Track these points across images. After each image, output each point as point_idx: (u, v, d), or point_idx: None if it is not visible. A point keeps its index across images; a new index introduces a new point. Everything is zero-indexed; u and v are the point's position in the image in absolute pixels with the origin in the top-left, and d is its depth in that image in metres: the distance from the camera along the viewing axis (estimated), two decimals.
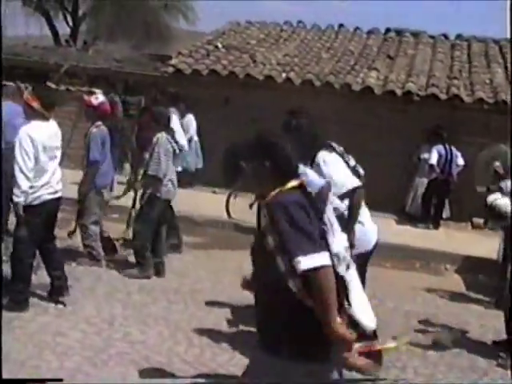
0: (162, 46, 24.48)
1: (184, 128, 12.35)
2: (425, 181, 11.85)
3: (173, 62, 13.70)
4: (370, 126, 12.26)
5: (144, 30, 25.10)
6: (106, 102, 7.43)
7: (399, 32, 16.77)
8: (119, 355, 5.25)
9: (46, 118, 5.81)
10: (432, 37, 16.51)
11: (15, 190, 5.61)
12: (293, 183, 3.10)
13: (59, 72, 14.36)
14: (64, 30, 26.08)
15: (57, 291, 6.24)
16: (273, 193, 3.03)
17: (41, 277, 6.77)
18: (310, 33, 17.14)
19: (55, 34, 25.61)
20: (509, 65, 14.08)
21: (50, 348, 5.28)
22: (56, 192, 5.94)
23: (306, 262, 2.88)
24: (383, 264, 9.07)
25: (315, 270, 2.88)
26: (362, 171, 5.60)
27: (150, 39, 25.48)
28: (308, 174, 3.97)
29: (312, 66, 13.86)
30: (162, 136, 7.19)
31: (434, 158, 11.47)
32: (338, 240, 3.14)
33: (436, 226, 11.69)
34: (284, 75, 13.10)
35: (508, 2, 12.90)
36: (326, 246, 3.03)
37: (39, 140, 5.66)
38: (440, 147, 11.56)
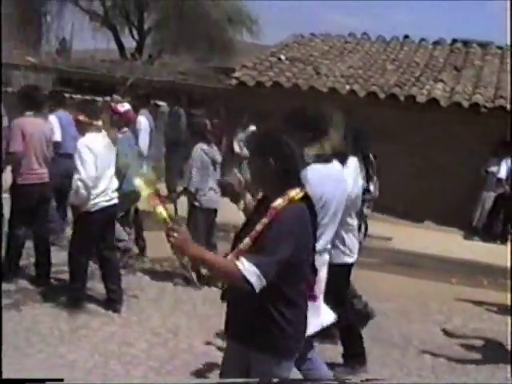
0: (226, 58, 24.67)
1: (246, 139, 12.44)
2: (492, 195, 11.57)
3: (236, 74, 13.78)
4: (436, 138, 12.07)
5: (208, 43, 25.36)
6: (131, 110, 7.68)
7: (466, 43, 16.46)
8: (184, 366, 5.27)
9: (98, 129, 6.17)
10: (500, 47, 16.16)
11: (74, 197, 6.04)
12: (300, 194, 3.11)
13: (125, 85, 14.63)
14: (130, 43, 26.64)
15: (110, 303, 6.38)
16: (280, 201, 3.05)
17: None
18: (375, 44, 17.01)
19: (121, 47, 26.14)
20: None
21: (116, 357, 5.35)
22: (112, 199, 6.23)
23: (245, 268, 2.92)
24: (449, 280, 8.89)
25: (242, 277, 2.92)
26: None
27: (213, 52, 25.72)
28: (309, 179, 3.92)
29: (376, 77, 13.74)
30: (196, 148, 7.29)
31: (503, 172, 11.19)
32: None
33: (504, 242, 11.39)
34: (348, 87, 13.03)
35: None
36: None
37: (95, 150, 5.98)
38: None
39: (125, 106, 7.60)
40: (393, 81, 13.44)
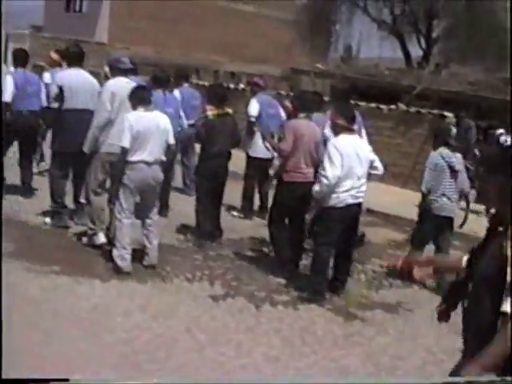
0: None
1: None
2: None
3: None
4: None
5: (498, 52, 24.16)
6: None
7: None
8: None
9: (350, 131, 6.46)
10: None
11: (316, 192, 6.46)
12: None
13: (411, 94, 14.46)
14: (416, 52, 26.35)
15: (333, 289, 6.68)
16: None
17: (385, 296, 6.83)
18: None
19: (407, 56, 25.96)
20: None
21: (388, 370, 5.23)
22: (357, 198, 6.47)
23: None
24: None
25: None
26: None
27: (504, 62, 24.43)
28: None
29: None
30: (435, 152, 7.22)
31: None
32: None
33: None
34: None
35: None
36: None
37: (343, 150, 6.27)
38: None
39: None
40: None
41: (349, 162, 6.30)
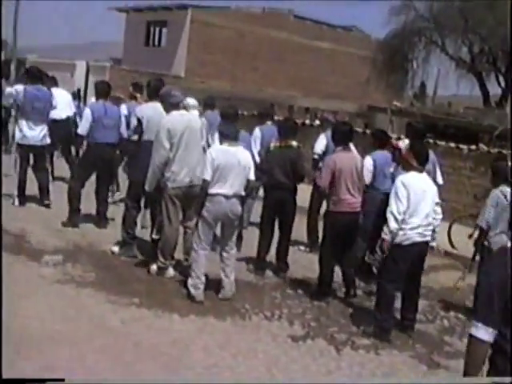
0: None
1: None
2: None
3: None
4: None
5: None
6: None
7: None
8: None
9: (419, 171, 6.46)
10: None
11: (385, 229, 6.34)
12: None
13: (491, 134, 14.15)
14: (494, 91, 25.93)
15: (403, 329, 6.64)
16: None
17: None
18: None
19: (485, 94, 25.55)
20: None
21: None
22: (425, 235, 6.41)
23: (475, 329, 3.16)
24: None
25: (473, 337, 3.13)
26: None
27: None
28: None
29: None
30: (495, 190, 7.18)
31: None
32: None
33: None
34: None
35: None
36: None
37: (411, 187, 6.29)
38: None
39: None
40: None
41: (416, 199, 6.29)
